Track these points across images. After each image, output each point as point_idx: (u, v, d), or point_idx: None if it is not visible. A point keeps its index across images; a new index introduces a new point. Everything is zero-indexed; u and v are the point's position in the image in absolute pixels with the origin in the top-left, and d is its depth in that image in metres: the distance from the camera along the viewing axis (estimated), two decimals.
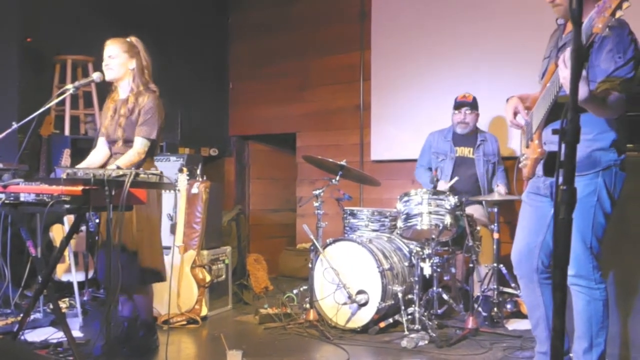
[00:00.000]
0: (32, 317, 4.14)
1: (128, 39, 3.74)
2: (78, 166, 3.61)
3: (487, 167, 5.06)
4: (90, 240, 4.80)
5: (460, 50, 5.70)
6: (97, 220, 3.55)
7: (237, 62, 7.52)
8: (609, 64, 2.70)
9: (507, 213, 5.30)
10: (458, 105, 5.10)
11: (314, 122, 6.85)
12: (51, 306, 3.87)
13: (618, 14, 2.08)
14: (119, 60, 3.66)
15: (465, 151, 5.12)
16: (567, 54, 2.55)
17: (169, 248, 4.40)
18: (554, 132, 1.49)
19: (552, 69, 2.76)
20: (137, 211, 3.48)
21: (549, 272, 3.09)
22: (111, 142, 3.73)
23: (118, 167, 3.10)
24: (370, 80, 6.37)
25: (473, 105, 5.07)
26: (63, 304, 4.76)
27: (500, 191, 4.67)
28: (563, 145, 1.38)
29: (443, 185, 4.88)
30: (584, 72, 2.52)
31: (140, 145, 3.59)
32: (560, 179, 1.41)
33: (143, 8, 6.27)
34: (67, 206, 2.91)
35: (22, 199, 3.05)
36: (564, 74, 2.55)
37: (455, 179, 4.87)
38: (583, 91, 2.52)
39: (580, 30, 1.50)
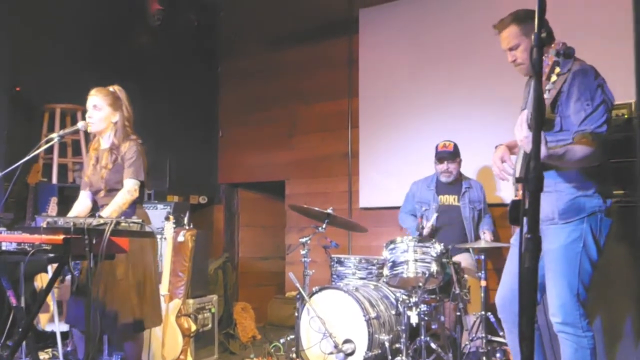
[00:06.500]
0: None
1: (111, 89, 3.75)
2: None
3: (472, 214, 5.05)
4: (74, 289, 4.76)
5: (447, 97, 5.78)
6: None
7: (226, 109, 7.59)
8: (579, 112, 2.76)
9: (495, 260, 5.28)
10: (440, 158, 5.11)
11: (302, 170, 6.87)
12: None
13: (552, 78, 2.15)
14: (102, 114, 3.67)
15: (450, 199, 5.13)
16: (522, 116, 2.63)
17: None
18: (517, 180, 1.51)
19: None
20: (120, 260, 3.44)
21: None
22: (95, 193, 3.73)
23: (99, 216, 3.08)
24: (359, 127, 6.42)
25: (454, 154, 5.09)
26: (46, 355, 4.69)
27: (486, 238, 4.66)
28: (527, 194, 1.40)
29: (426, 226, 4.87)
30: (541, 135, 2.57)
31: (131, 184, 3.59)
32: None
33: (133, 57, 6.35)
34: (50, 255, 2.89)
35: (3, 247, 3.02)
36: (520, 135, 2.61)
37: (435, 215, 4.83)
38: (541, 151, 2.57)
39: (540, 80, 1.53)
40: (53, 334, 4.56)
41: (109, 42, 6.19)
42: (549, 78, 2.14)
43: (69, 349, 4.72)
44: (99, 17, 6.19)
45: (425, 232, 4.81)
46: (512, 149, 3.14)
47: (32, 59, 5.57)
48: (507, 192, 5.31)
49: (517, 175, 2.95)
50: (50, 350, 4.76)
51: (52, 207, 4.99)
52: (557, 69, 2.12)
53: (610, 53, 4.38)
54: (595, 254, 2.84)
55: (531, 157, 1.43)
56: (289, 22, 7.08)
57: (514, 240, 3.14)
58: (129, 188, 3.58)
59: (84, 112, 3.77)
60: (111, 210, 3.47)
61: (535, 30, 1.49)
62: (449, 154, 5.07)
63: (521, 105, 3.16)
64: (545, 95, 2.17)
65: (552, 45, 2.15)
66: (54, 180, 5.49)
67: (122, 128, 3.70)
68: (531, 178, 1.37)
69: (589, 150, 2.71)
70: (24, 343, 3.75)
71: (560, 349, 2.91)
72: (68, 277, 4.77)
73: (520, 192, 2.95)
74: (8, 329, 4.24)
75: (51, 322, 4.62)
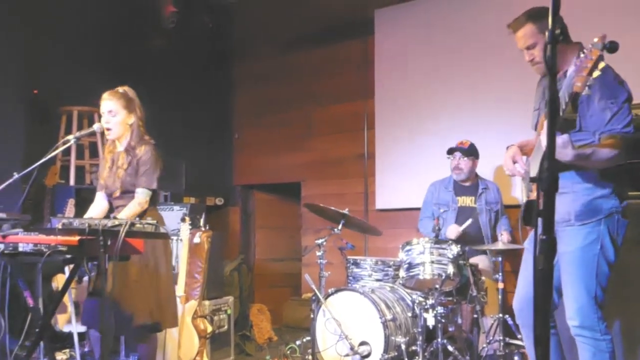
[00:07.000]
0: None
1: (121, 90, 3.76)
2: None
3: (489, 216, 5.00)
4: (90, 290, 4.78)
5: (463, 98, 5.73)
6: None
7: (241, 111, 7.61)
8: (604, 112, 2.71)
9: (512, 262, 5.23)
10: (451, 151, 5.08)
11: (318, 171, 6.86)
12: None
13: (595, 73, 2.09)
14: (119, 118, 3.70)
15: (467, 200, 5.08)
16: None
17: None
18: (532, 180, 1.49)
19: (543, 121, 2.76)
20: (134, 261, 3.45)
21: (553, 322, 3.04)
22: (110, 194, 3.75)
23: (114, 217, 3.10)
24: (375, 129, 6.40)
25: (467, 151, 5.03)
26: (63, 355, 4.72)
27: (504, 239, 4.61)
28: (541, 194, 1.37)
29: (455, 229, 4.81)
30: (566, 136, 2.53)
31: (142, 195, 3.63)
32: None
33: (149, 60, 6.37)
34: (66, 256, 2.90)
35: (20, 249, 3.04)
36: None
37: (469, 221, 4.75)
38: (568, 154, 2.54)
39: (555, 79, 1.50)
40: (71, 334, 4.58)
41: (125, 45, 6.21)
42: (591, 73, 2.06)
43: (86, 349, 4.74)
44: (116, 20, 6.22)
45: (454, 236, 4.75)
46: (523, 148, 3.11)
47: (49, 62, 5.60)
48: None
49: (532, 175, 2.93)
50: (67, 350, 4.78)
51: (70, 209, 5.02)
52: (602, 64, 2.05)
53: (630, 52, 4.32)
54: (613, 256, 2.80)
55: (545, 156, 1.41)
56: (304, 23, 7.08)
57: (528, 244, 3.10)
58: (140, 200, 3.62)
59: (101, 115, 3.80)
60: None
61: (549, 27, 1.46)
62: (462, 150, 5.03)
63: (534, 105, 3.13)
64: (585, 91, 2.11)
65: (597, 39, 2.08)
66: (72, 182, 5.53)
67: (137, 129, 3.74)
68: (545, 177, 1.34)
69: (614, 152, 2.67)
70: (42, 343, 3.77)
71: (577, 353, 2.88)
72: (85, 278, 4.79)
73: (534, 193, 2.91)
74: (27, 330, 4.27)
75: (69, 322, 4.64)
